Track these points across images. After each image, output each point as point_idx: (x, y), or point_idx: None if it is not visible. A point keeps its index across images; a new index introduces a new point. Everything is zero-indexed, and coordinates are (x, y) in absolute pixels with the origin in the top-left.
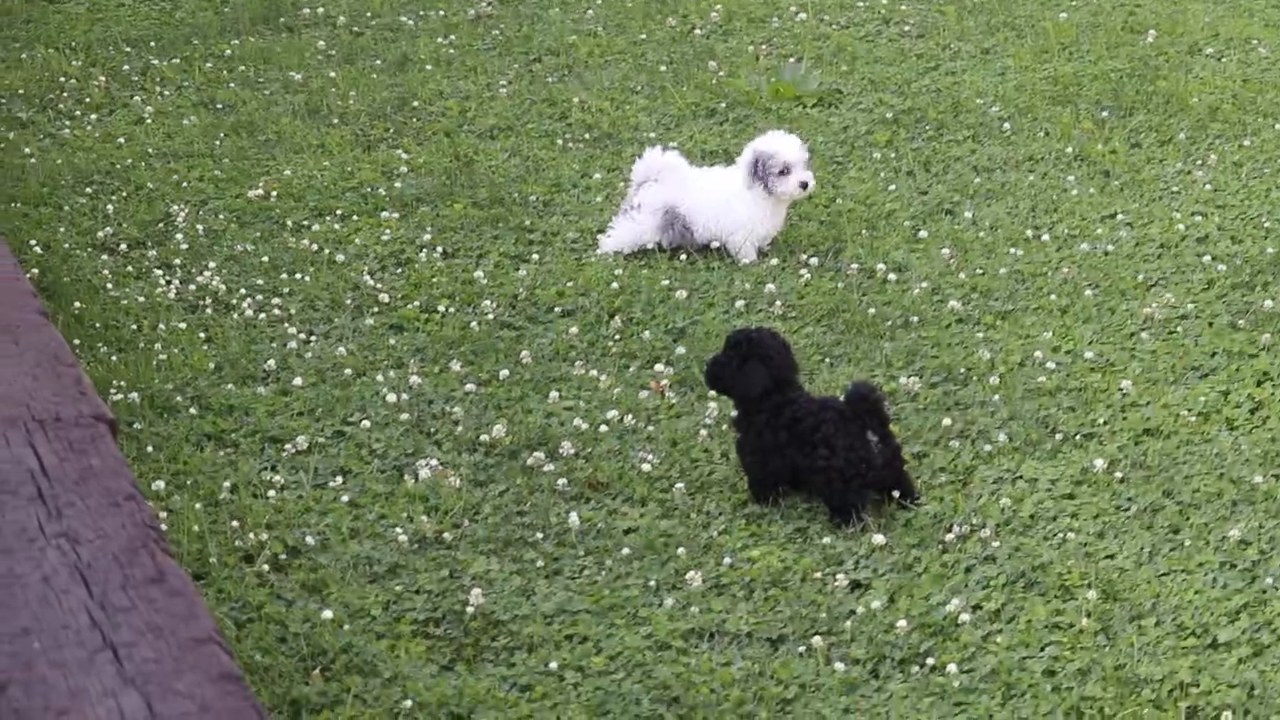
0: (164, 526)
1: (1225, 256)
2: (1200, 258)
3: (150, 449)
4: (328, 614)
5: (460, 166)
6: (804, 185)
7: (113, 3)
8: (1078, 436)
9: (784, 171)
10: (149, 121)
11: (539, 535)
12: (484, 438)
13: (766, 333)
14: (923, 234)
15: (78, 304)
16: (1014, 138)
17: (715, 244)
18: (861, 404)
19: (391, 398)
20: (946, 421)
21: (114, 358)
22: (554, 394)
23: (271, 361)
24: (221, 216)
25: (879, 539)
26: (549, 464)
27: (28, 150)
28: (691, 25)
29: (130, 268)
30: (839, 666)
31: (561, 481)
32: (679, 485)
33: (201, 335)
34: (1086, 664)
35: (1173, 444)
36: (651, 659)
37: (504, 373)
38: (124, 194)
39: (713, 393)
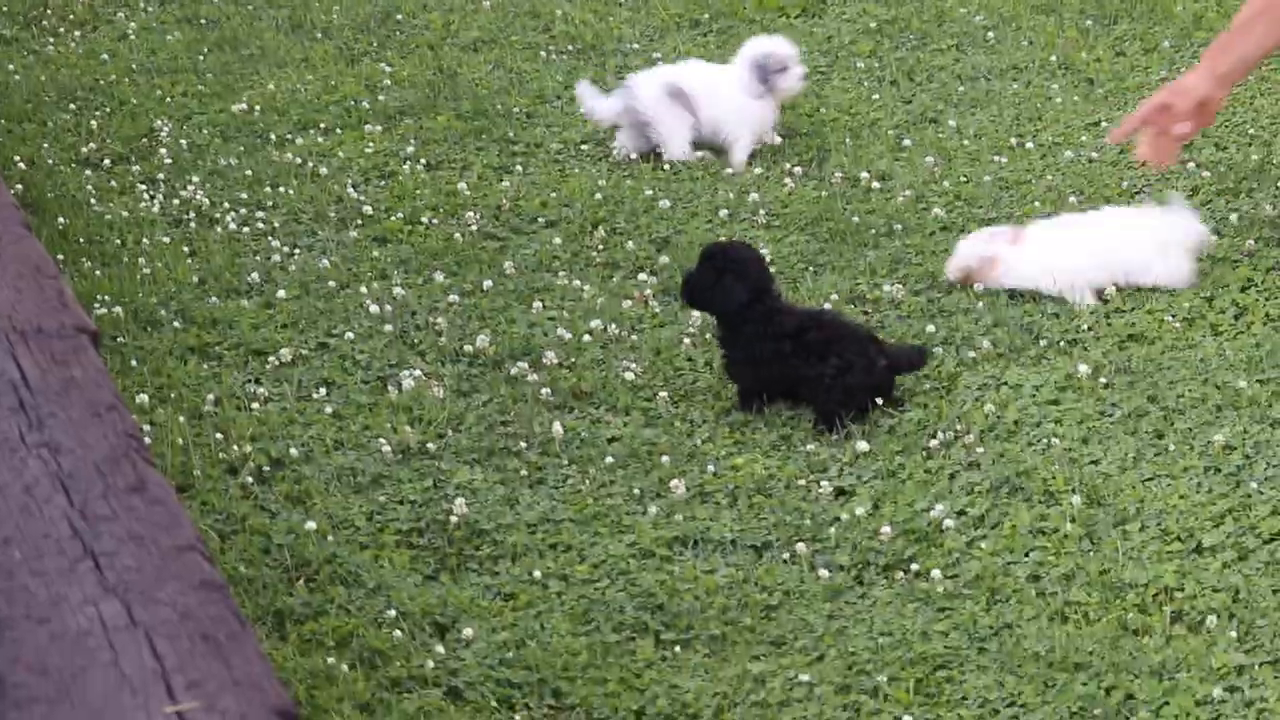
0: (148, 440)
1: (1210, 163)
2: (1184, 164)
3: (134, 362)
4: (311, 525)
5: (443, 79)
6: (804, 77)
7: None
8: (1061, 343)
9: (784, 69)
10: (132, 38)
11: (523, 445)
12: (468, 348)
13: (740, 245)
14: (907, 142)
15: (62, 219)
16: (998, 46)
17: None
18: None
19: (375, 309)
20: (930, 328)
21: (98, 272)
22: (537, 304)
23: (255, 275)
24: (205, 131)
25: (863, 446)
26: (533, 374)
27: (11, 67)
28: None
29: (114, 183)
30: (823, 573)
31: (545, 391)
32: (663, 394)
33: (185, 249)
34: (1071, 569)
35: (1157, 350)
36: (635, 567)
37: (487, 283)
38: (107, 110)
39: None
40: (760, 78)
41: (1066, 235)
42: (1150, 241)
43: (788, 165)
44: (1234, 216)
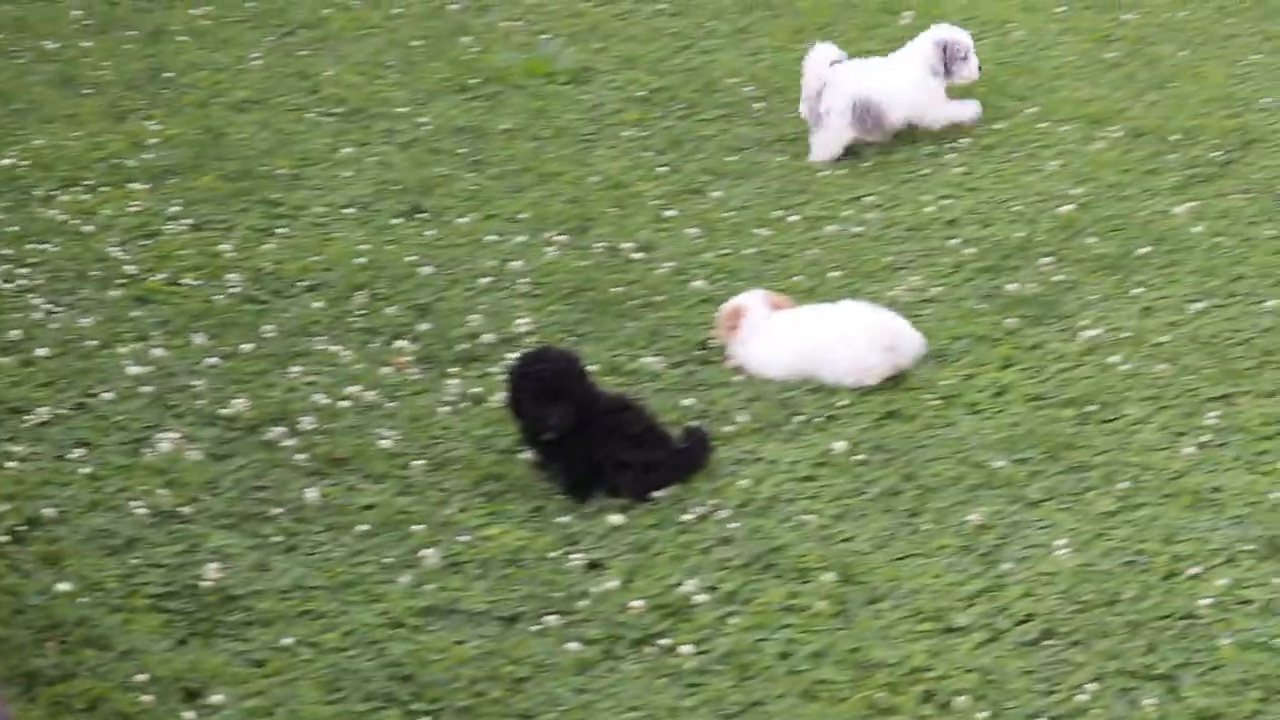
0: None
1: (973, 240)
2: (948, 241)
3: None
4: (64, 586)
5: (210, 139)
6: (981, 68)
7: None
8: (819, 419)
9: (965, 57)
10: None
11: (277, 510)
12: (225, 411)
13: (560, 365)
14: (671, 213)
15: None
16: (766, 118)
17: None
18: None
19: (134, 370)
20: (688, 401)
21: None
22: (296, 368)
23: (15, 332)
24: None
25: (616, 519)
26: (289, 439)
27: None
28: (446, 0)
29: None
30: (573, 646)
31: (301, 457)
32: (418, 462)
33: None
34: (822, 646)
35: (914, 427)
36: (385, 636)
37: (247, 346)
38: None
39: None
40: (944, 61)
41: (777, 328)
42: (842, 340)
43: (550, 233)
44: (997, 293)
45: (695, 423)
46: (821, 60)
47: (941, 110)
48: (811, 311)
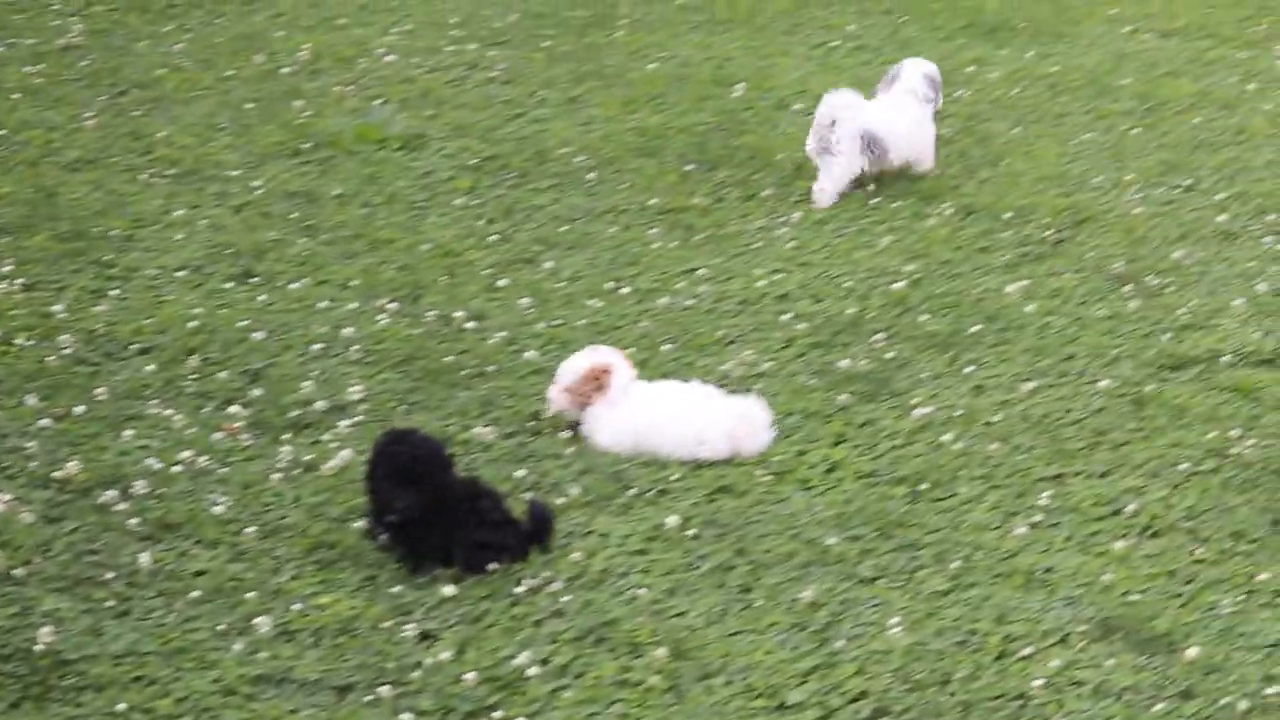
0: None
1: (805, 315)
2: (780, 316)
3: None
4: None
5: (43, 198)
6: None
7: None
8: (651, 493)
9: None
10: None
11: (110, 575)
12: (57, 474)
13: (420, 451)
14: (503, 282)
15: None
16: (598, 188)
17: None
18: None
19: None
20: (520, 473)
21: None
22: (128, 432)
23: None
24: None
25: (449, 590)
26: (122, 503)
27: None
28: (279, 64)
29: None
30: (406, 717)
31: (133, 521)
32: (250, 529)
33: None
34: None
35: (746, 502)
36: (219, 704)
37: (79, 409)
38: None
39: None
40: (933, 89)
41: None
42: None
43: (382, 300)
44: (828, 370)
45: (535, 497)
46: (840, 100)
47: (931, 148)
48: (669, 386)
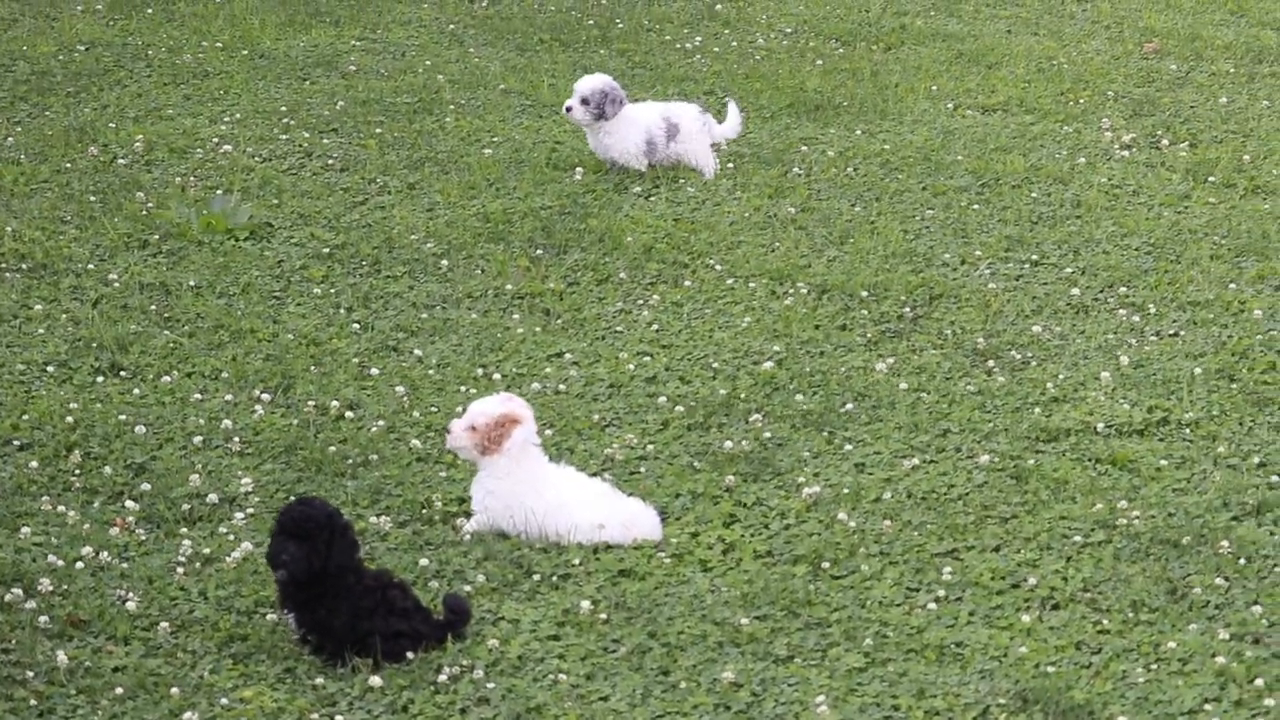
0: None
1: (677, 396)
2: (652, 398)
3: None
4: None
5: None
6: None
7: None
8: (554, 577)
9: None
10: None
11: (28, 674)
12: None
13: (312, 512)
14: (373, 370)
15: None
16: (451, 274)
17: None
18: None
19: None
20: (423, 562)
21: None
22: (24, 529)
23: None
24: None
25: (374, 681)
26: (28, 601)
27: None
28: (114, 155)
29: None
30: None
31: (43, 619)
32: (162, 624)
33: None
34: None
35: (650, 585)
36: None
37: None
38: None
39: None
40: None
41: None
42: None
43: (255, 391)
44: (709, 451)
45: (451, 591)
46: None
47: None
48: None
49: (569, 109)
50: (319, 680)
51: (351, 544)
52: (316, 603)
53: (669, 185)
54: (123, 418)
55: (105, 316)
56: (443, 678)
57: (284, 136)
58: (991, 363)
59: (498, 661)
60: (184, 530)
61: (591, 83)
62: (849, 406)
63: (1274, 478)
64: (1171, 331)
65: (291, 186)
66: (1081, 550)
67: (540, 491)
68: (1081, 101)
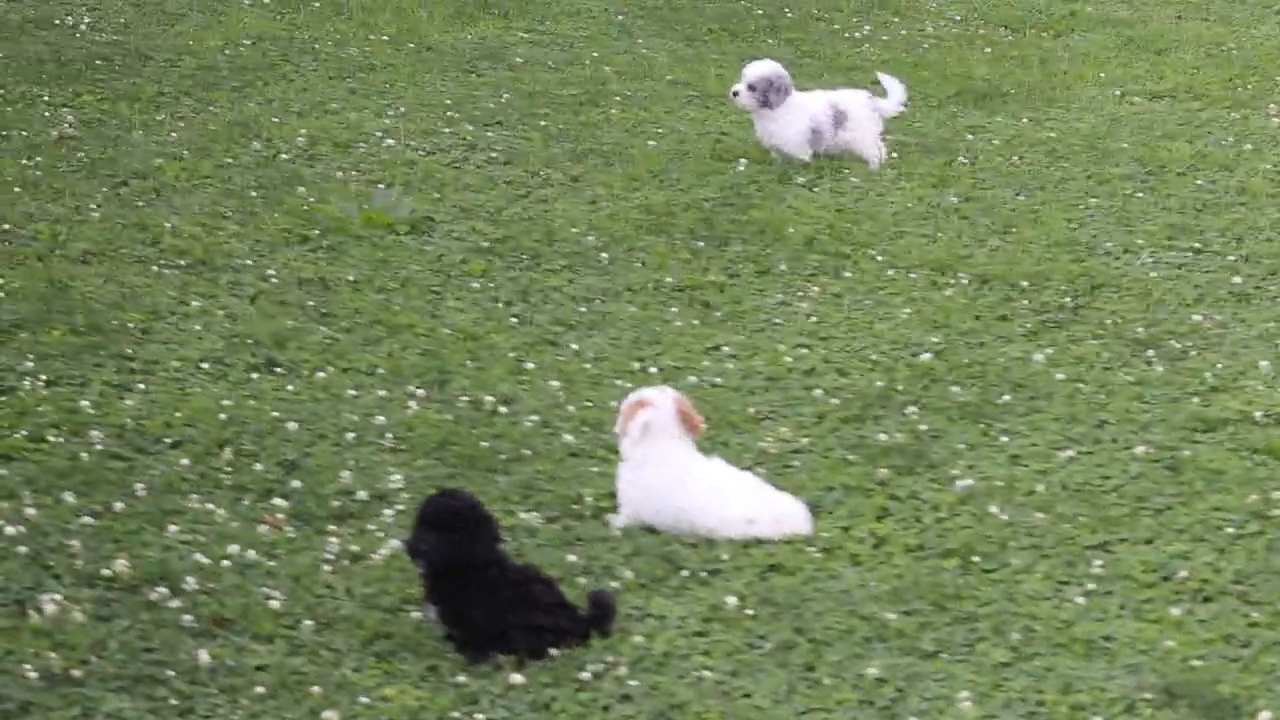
0: None
1: (834, 389)
2: (809, 391)
3: None
4: None
5: (55, 292)
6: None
7: None
8: (702, 573)
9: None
10: None
11: (169, 672)
12: (104, 571)
13: (457, 504)
14: (529, 365)
15: None
16: (611, 267)
17: None
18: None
19: (9, 530)
20: (570, 558)
21: None
22: (172, 527)
23: None
24: None
25: (516, 678)
26: (173, 599)
27: None
28: (277, 150)
29: None
30: None
31: (187, 618)
32: (306, 622)
33: None
34: None
35: (799, 580)
36: None
37: (118, 505)
38: None
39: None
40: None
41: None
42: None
43: (410, 386)
44: (863, 444)
45: (598, 587)
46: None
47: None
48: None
49: (735, 94)
50: (461, 678)
51: (493, 536)
52: (458, 595)
53: (833, 175)
54: (275, 414)
55: (262, 312)
56: (586, 675)
57: (448, 130)
58: (1151, 352)
59: (642, 658)
60: (332, 527)
61: (759, 69)
62: (1006, 398)
63: None
64: None
65: (454, 180)
66: (1235, 542)
67: (686, 485)
68: (1250, 87)
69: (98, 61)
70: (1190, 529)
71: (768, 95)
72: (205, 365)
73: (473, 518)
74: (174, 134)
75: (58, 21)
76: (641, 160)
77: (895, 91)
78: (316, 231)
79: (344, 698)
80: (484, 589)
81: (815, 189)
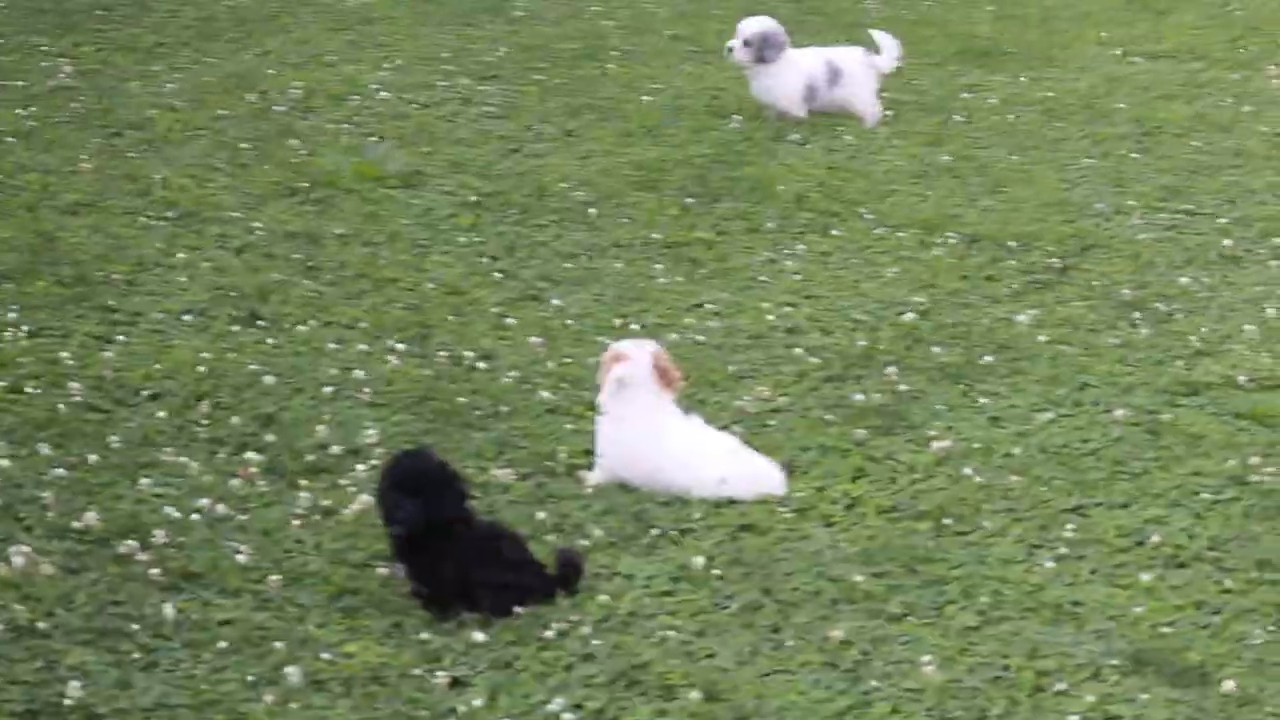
0: None
1: (816, 348)
2: (791, 350)
3: None
4: None
5: (43, 243)
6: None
7: None
8: (674, 532)
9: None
10: None
11: (135, 626)
12: (75, 524)
13: (424, 464)
14: (510, 320)
15: None
16: (599, 223)
17: None
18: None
19: None
20: (541, 515)
21: None
22: (145, 480)
23: None
24: None
25: (479, 636)
26: (141, 553)
27: None
28: (271, 102)
29: None
30: None
31: (155, 571)
32: (273, 577)
33: None
34: None
35: (769, 540)
36: None
37: (93, 457)
38: None
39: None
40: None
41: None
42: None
43: (390, 340)
44: (842, 404)
45: (564, 545)
46: None
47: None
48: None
49: (730, 50)
50: (425, 635)
51: (460, 493)
52: (425, 552)
53: (827, 133)
54: (254, 367)
55: (247, 265)
56: (549, 633)
57: (443, 83)
58: (1137, 315)
59: (608, 617)
60: (304, 482)
61: (753, 25)
62: (988, 359)
63: None
64: None
65: (447, 134)
66: (1211, 507)
67: (660, 442)
68: (1252, 49)
69: (98, 11)
70: (1167, 494)
71: (763, 51)
72: (187, 318)
73: (440, 477)
74: (170, 85)
75: None
76: (636, 116)
77: (890, 48)
78: (306, 184)
79: (306, 653)
80: (451, 546)
81: (808, 146)
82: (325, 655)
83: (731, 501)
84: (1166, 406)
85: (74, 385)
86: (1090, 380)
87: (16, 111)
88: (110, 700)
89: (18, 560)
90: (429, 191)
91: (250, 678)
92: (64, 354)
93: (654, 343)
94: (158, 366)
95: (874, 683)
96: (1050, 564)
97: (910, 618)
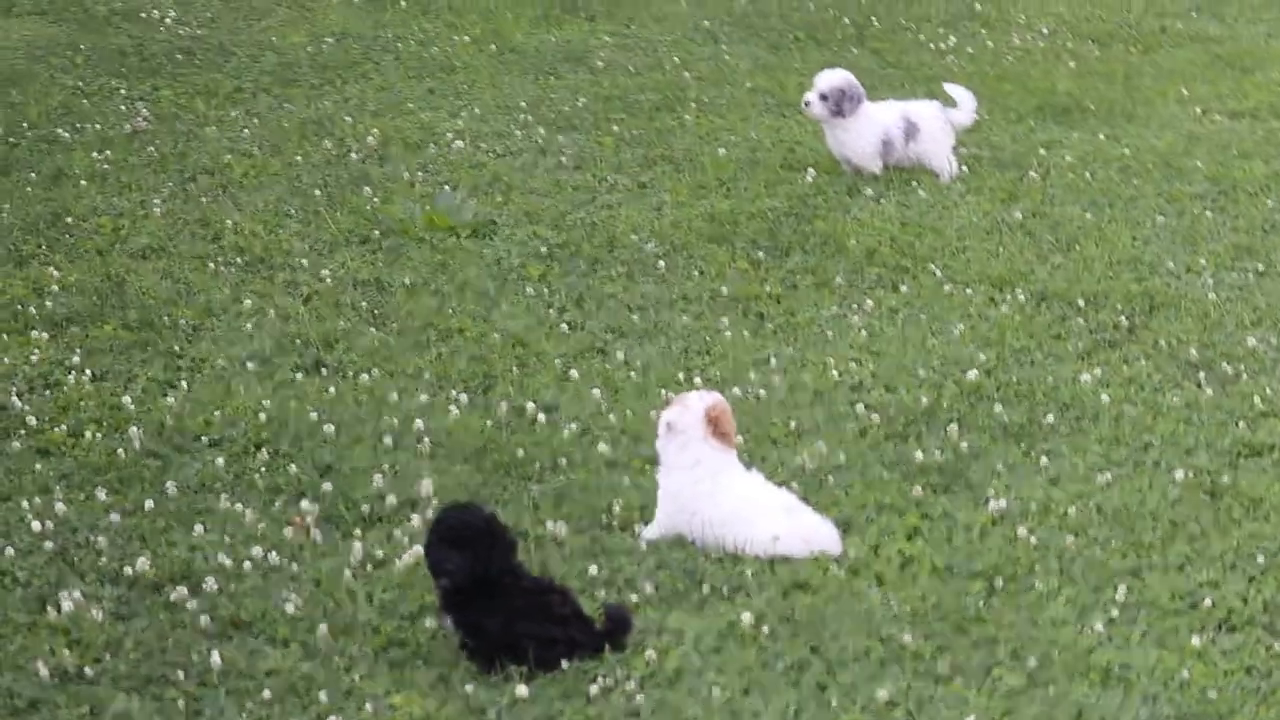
0: None
1: (879, 405)
2: (854, 406)
3: None
4: None
5: (111, 287)
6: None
7: None
8: (725, 589)
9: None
10: None
11: (180, 674)
12: (128, 570)
13: (472, 519)
14: (574, 373)
15: None
16: (668, 276)
17: None
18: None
19: (36, 525)
20: (593, 569)
21: None
22: (199, 527)
23: None
24: None
25: (523, 690)
26: (192, 600)
27: None
28: (348, 149)
29: None
30: None
31: (204, 619)
32: (322, 627)
33: None
34: None
35: (821, 599)
36: None
37: (149, 503)
38: None
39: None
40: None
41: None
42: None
43: (454, 391)
44: (901, 462)
45: (612, 603)
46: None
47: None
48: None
49: (807, 103)
50: (470, 688)
51: (509, 546)
52: (472, 604)
53: (901, 188)
54: (315, 416)
55: (314, 313)
56: (594, 689)
57: (519, 132)
58: (1202, 375)
59: (654, 674)
60: (358, 533)
61: (830, 78)
62: (1050, 418)
63: None
64: None
65: (521, 183)
66: (1265, 571)
67: (715, 497)
68: None
69: (179, 55)
70: (1223, 556)
71: (840, 105)
72: (251, 364)
73: (488, 531)
74: (247, 130)
75: (144, 14)
76: (711, 168)
77: (966, 102)
78: (377, 233)
79: (350, 704)
80: (498, 598)
81: (882, 201)
82: (369, 706)
83: (785, 560)
84: (1227, 468)
85: (134, 430)
86: (1152, 440)
87: (93, 155)
88: None
89: (67, 605)
90: (500, 241)
91: None
92: (126, 399)
93: (716, 395)
94: (219, 413)
95: None
96: (1101, 626)
97: (957, 679)
